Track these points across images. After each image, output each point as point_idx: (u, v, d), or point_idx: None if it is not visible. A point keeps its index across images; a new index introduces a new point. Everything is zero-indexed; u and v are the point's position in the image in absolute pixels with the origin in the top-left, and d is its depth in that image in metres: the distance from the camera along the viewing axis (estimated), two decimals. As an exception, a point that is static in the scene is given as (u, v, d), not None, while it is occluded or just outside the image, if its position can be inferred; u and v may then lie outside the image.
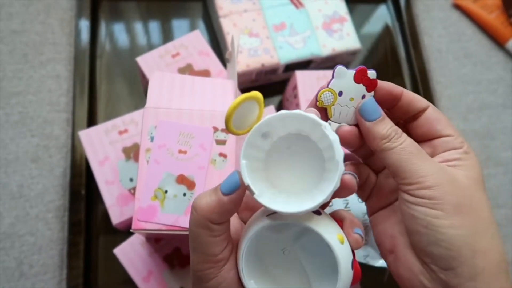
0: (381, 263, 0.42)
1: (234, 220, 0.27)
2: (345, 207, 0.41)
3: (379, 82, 0.26)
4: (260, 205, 0.23)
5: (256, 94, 0.22)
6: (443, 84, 0.66)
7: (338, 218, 0.25)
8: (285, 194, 0.23)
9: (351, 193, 0.24)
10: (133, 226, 0.34)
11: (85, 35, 0.58)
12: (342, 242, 0.23)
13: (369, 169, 0.28)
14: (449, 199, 0.23)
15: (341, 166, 0.22)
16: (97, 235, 0.51)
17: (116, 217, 0.46)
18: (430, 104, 0.27)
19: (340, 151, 0.22)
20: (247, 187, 0.22)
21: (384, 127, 0.25)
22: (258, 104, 0.23)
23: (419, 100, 0.27)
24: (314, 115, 0.23)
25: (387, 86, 0.26)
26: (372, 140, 0.25)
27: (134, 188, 0.47)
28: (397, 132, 0.25)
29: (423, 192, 0.23)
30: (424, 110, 0.27)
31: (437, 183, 0.23)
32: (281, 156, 0.24)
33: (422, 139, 0.27)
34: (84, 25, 0.59)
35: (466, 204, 0.23)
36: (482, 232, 0.23)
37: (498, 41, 0.69)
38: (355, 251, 0.42)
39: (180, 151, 0.36)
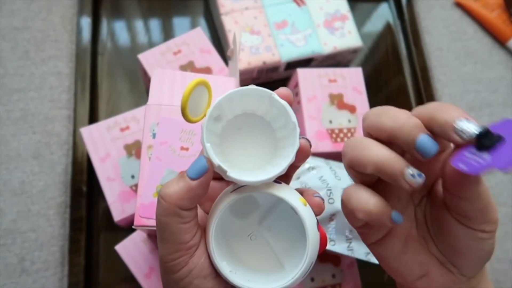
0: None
1: (198, 209, 0.26)
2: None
3: None
4: (218, 194, 0.24)
5: (202, 79, 0.23)
6: (444, 82, 0.66)
7: (298, 191, 0.26)
8: (247, 171, 0.24)
9: (306, 157, 0.24)
10: (135, 223, 0.34)
11: (86, 33, 0.58)
12: (305, 204, 0.24)
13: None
14: None
15: (297, 127, 0.23)
16: (98, 232, 0.51)
17: (118, 214, 0.46)
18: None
19: (293, 114, 0.23)
20: (218, 168, 0.22)
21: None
22: (207, 89, 0.23)
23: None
24: (260, 88, 0.23)
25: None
26: (467, 187, 0.22)
27: (135, 185, 0.47)
28: None
29: (494, 226, 0.23)
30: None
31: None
32: (233, 138, 0.25)
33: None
34: (86, 22, 0.59)
35: None
36: None
37: (499, 40, 0.69)
38: (354, 249, 0.42)
39: (182, 148, 0.36)
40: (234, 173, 0.22)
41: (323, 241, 0.24)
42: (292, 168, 0.25)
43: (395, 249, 0.25)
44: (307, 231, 0.23)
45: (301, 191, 0.25)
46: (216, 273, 0.24)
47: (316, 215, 0.24)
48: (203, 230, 0.25)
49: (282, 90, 0.24)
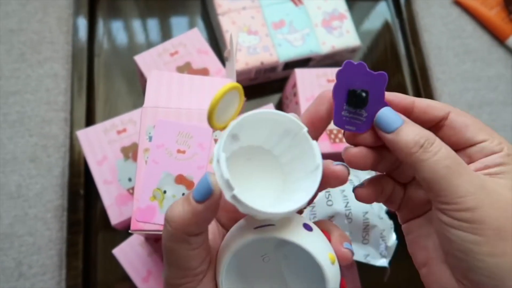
0: (381, 262, 0.42)
1: (211, 224, 0.24)
2: (345, 206, 0.41)
3: (385, 94, 0.23)
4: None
5: (237, 85, 0.21)
6: (443, 81, 0.65)
7: (325, 230, 0.23)
8: (259, 199, 0.21)
9: (342, 183, 0.23)
10: (131, 227, 0.34)
11: (83, 34, 0.58)
12: (333, 262, 0.21)
13: (394, 182, 0.26)
14: (491, 223, 0.20)
15: (321, 171, 0.21)
16: (96, 234, 0.51)
17: (115, 217, 0.46)
18: (452, 108, 0.24)
19: (320, 156, 0.22)
20: (226, 183, 0.20)
21: (410, 133, 0.22)
22: (239, 96, 0.22)
23: (436, 108, 0.23)
24: (294, 119, 0.22)
25: (394, 98, 0.23)
26: (399, 152, 0.22)
27: (133, 188, 0.47)
28: (428, 138, 0.21)
29: (462, 214, 0.20)
30: (445, 117, 0.23)
31: (477, 205, 0.20)
32: (241, 169, 0.23)
33: (454, 148, 0.23)
34: (82, 23, 0.58)
35: (509, 227, 0.20)
36: None
37: (498, 38, 0.69)
38: (355, 251, 0.42)
39: (178, 151, 0.35)
40: (244, 196, 0.19)
41: None
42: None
43: (413, 223, 0.25)
44: None
45: (328, 230, 0.23)
46: None
47: (340, 266, 0.23)
48: (215, 251, 0.23)
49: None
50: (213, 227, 0.25)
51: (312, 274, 0.22)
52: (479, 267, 0.20)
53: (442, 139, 0.23)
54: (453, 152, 0.21)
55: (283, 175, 0.23)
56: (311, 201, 0.23)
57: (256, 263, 0.25)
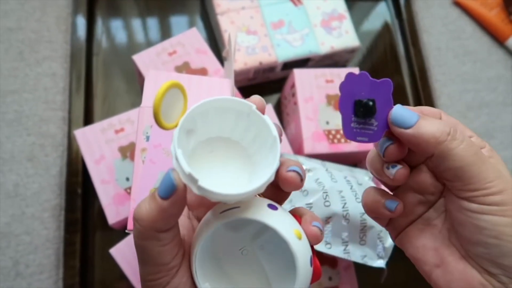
0: (378, 263, 0.42)
1: (183, 219, 0.25)
2: (343, 206, 0.41)
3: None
4: (212, 201, 0.21)
5: (175, 82, 0.21)
6: (443, 82, 0.65)
7: (297, 215, 0.24)
8: (231, 187, 0.22)
9: (297, 189, 0.23)
10: (128, 227, 0.34)
11: (81, 33, 0.58)
12: (299, 238, 0.21)
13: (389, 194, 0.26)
14: None
15: (278, 141, 0.22)
16: (94, 234, 0.51)
17: (112, 217, 0.45)
18: (441, 112, 0.24)
19: (274, 128, 0.22)
20: (188, 177, 0.20)
21: (433, 124, 0.22)
22: (182, 93, 0.22)
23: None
24: (238, 99, 0.22)
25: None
26: (425, 145, 0.22)
27: (130, 188, 0.47)
28: (452, 127, 0.22)
29: (492, 198, 0.21)
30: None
31: (505, 187, 0.21)
32: (205, 161, 0.23)
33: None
34: (81, 22, 0.58)
35: None
36: None
37: (498, 39, 0.68)
38: (355, 253, 0.42)
39: (176, 151, 0.35)
40: (207, 183, 0.20)
41: (316, 273, 0.23)
42: (284, 196, 0.25)
43: (410, 230, 0.26)
44: (297, 266, 0.21)
45: (300, 214, 0.24)
46: None
47: (312, 245, 0.23)
48: (188, 245, 0.24)
49: (256, 99, 0.23)
50: (187, 223, 0.25)
51: (286, 259, 0.23)
52: None
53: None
54: (472, 140, 0.22)
55: (249, 158, 0.24)
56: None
57: (234, 257, 0.25)
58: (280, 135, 0.23)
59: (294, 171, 0.22)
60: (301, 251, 0.21)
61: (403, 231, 0.26)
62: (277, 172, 0.22)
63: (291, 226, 0.22)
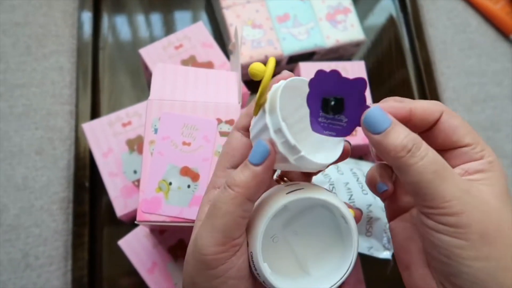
0: (384, 254, 0.43)
1: None
2: (349, 198, 0.41)
3: (381, 105, 0.23)
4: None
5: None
6: (448, 75, 0.65)
7: None
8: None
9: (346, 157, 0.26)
10: (137, 218, 0.34)
11: (87, 27, 0.58)
12: (354, 215, 0.25)
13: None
14: (475, 228, 0.20)
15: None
16: (102, 226, 0.51)
17: (121, 209, 0.46)
18: (444, 109, 0.24)
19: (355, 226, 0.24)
20: (292, 148, 0.22)
21: (398, 137, 0.21)
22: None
23: (432, 112, 0.23)
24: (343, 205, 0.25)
25: (391, 110, 0.23)
26: (386, 155, 0.22)
27: (138, 180, 0.47)
28: (415, 143, 0.21)
29: (447, 219, 0.20)
30: (438, 118, 0.24)
31: (463, 209, 0.20)
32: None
33: (439, 148, 0.23)
34: (87, 17, 0.58)
35: (493, 232, 0.21)
36: (511, 264, 0.21)
37: (503, 32, 0.68)
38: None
39: (184, 143, 0.36)
40: (311, 155, 0.22)
41: None
42: (307, 180, 0.28)
43: (398, 223, 0.27)
44: (353, 241, 0.23)
45: None
46: (250, 275, 0.23)
47: None
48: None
49: (285, 74, 0.25)
50: None
51: (325, 243, 0.25)
52: (463, 272, 0.21)
53: (430, 138, 0.23)
54: (439, 157, 0.21)
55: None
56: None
57: (267, 244, 0.25)
58: None
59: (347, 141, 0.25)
60: (356, 229, 0.24)
61: (394, 220, 0.27)
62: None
63: (345, 205, 0.24)
